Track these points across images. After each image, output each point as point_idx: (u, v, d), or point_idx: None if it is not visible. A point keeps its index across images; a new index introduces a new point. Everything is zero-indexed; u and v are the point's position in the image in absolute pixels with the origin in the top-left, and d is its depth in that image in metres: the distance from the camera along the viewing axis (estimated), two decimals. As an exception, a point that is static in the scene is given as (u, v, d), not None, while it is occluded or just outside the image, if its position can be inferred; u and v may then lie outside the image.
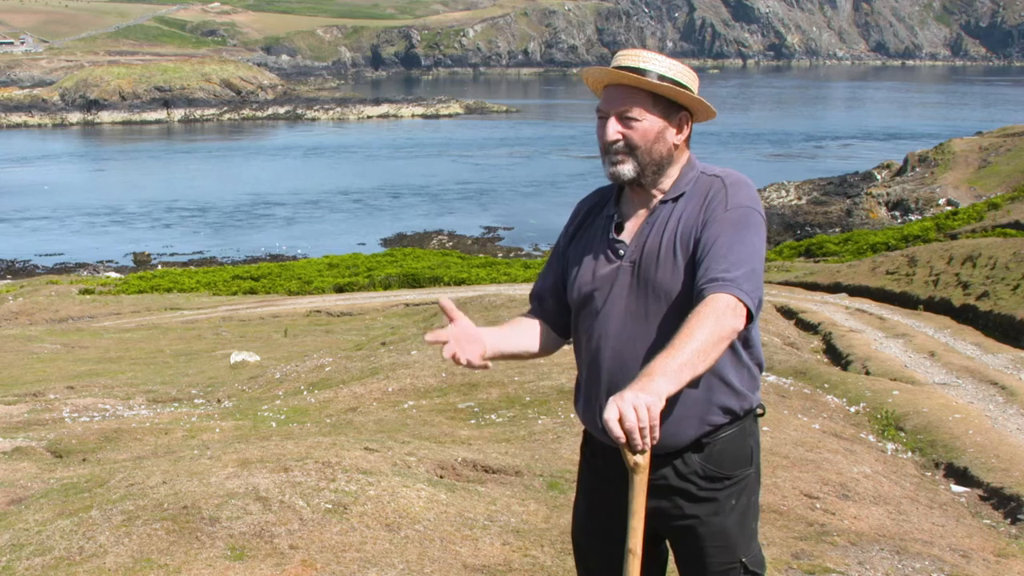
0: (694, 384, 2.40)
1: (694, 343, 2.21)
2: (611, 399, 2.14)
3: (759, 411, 2.61)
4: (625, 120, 2.45)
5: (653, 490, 2.50)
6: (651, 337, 2.44)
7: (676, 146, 2.50)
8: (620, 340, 2.49)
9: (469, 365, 2.44)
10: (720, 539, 2.53)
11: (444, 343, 2.42)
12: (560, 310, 2.66)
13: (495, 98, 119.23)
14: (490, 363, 2.51)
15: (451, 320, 2.46)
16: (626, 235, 2.53)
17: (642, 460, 2.19)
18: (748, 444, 2.57)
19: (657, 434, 2.13)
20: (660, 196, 2.52)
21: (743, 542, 2.56)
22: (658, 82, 2.43)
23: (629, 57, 2.47)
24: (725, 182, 2.48)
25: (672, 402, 2.42)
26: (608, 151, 2.48)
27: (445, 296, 2.45)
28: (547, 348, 2.68)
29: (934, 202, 42.81)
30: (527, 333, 2.66)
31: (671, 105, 2.47)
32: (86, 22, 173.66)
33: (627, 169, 2.47)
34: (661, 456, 2.49)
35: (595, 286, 2.53)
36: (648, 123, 2.45)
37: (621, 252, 2.51)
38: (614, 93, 2.47)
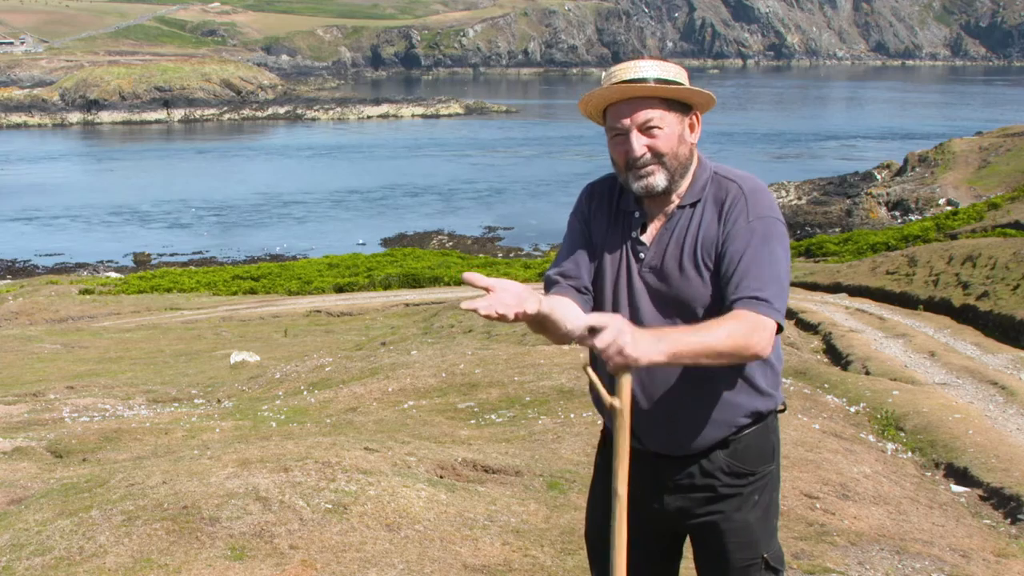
0: (723, 386, 2.44)
1: (714, 339, 2.22)
2: (613, 316, 2.17)
3: (780, 408, 2.62)
4: (647, 130, 2.42)
5: (677, 488, 2.53)
6: None
7: (693, 144, 2.50)
8: None
9: (502, 318, 2.18)
10: (743, 535, 2.53)
11: (478, 310, 2.17)
12: (589, 288, 2.55)
13: (495, 98, 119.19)
14: (536, 307, 2.25)
15: (486, 290, 2.20)
16: (647, 237, 2.51)
17: (618, 403, 2.22)
18: (771, 440, 2.58)
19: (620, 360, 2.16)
20: (677, 200, 2.50)
21: (765, 538, 2.57)
22: (670, 86, 2.42)
23: (626, 70, 2.44)
24: (743, 189, 2.46)
25: (703, 407, 2.46)
26: (634, 166, 2.44)
27: (470, 272, 2.24)
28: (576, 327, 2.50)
29: (934, 202, 42.80)
30: (567, 306, 2.45)
31: (681, 106, 2.46)
32: (86, 22, 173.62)
33: (659, 180, 2.44)
34: (688, 457, 2.51)
35: (616, 286, 2.52)
36: (669, 128, 2.43)
37: (642, 255, 2.50)
38: (626, 108, 2.43)
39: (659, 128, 2.42)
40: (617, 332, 2.12)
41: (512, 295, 2.19)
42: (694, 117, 2.50)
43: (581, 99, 2.48)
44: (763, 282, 2.34)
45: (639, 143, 2.42)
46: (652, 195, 2.47)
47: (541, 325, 2.40)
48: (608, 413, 2.62)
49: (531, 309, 2.23)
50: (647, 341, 2.15)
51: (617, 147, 2.47)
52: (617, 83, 2.43)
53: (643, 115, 2.41)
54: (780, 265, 2.39)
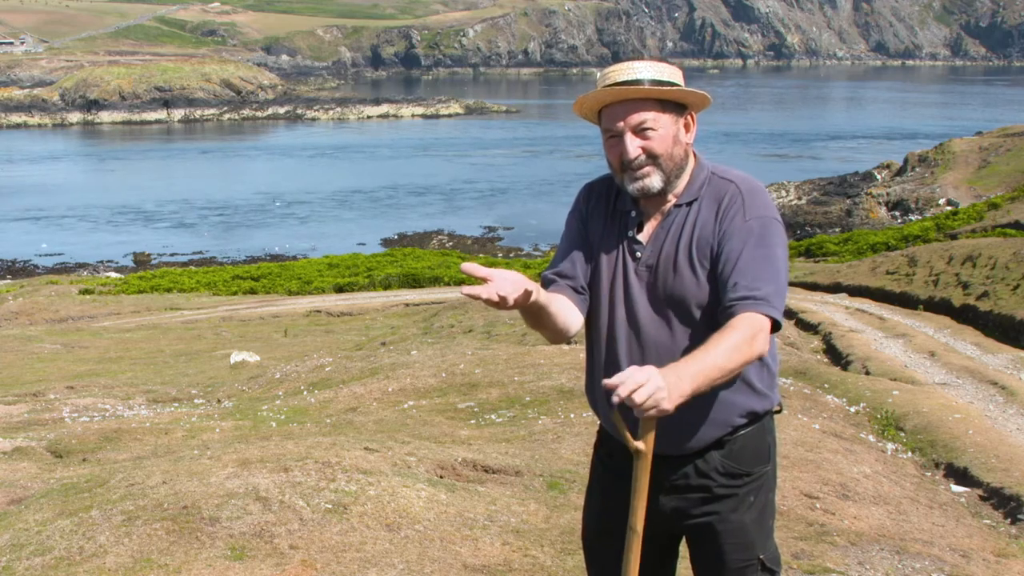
0: (719, 389, 2.43)
1: (720, 358, 2.23)
2: (646, 367, 2.14)
3: (776, 408, 2.62)
4: (642, 132, 2.43)
5: (673, 489, 2.53)
6: (669, 341, 2.45)
7: (689, 145, 2.50)
8: (643, 341, 2.49)
9: (503, 302, 2.23)
10: (739, 535, 2.53)
11: (480, 296, 2.22)
12: (585, 288, 2.57)
13: (495, 98, 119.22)
14: (532, 294, 2.30)
15: (485, 280, 2.25)
16: (643, 236, 2.52)
17: (642, 446, 2.23)
18: (767, 441, 2.58)
19: (648, 426, 2.17)
20: (674, 200, 2.51)
21: (760, 539, 2.57)
22: (664, 88, 2.42)
23: (621, 72, 2.44)
24: (740, 189, 2.47)
25: (698, 407, 2.44)
26: (629, 167, 2.44)
27: (469, 263, 2.22)
28: (573, 324, 2.52)
29: (934, 202, 42.80)
30: (564, 303, 2.51)
31: (676, 106, 2.47)
32: (86, 22, 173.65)
33: (655, 181, 2.45)
34: (683, 457, 2.51)
35: (612, 285, 2.52)
36: (663, 129, 2.44)
37: (638, 254, 2.50)
38: (620, 110, 2.43)
39: (653, 129, 2.42)
40: (655, 388, 2.12)
41: (510, 283, 2.24)
42: (689, 117, 2.50)
43: (576, 101, 2.49)
44: (760, 280, 2.34)
45: (633, 145, 2.43)
46: (648, 196, 2.48)
47: (537, 318, 2.43)
48: (604, 415, 2.62)
49: (531, 292, 2.28)
50: (675, 390, 2.15)
51: (612, 149, 2.47)
52: (611, 85, 2.43)
53: (637, 117, 2.42)
54: (778, 264, 2.39)
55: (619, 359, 2.51)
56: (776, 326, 2.35)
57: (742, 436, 2.52)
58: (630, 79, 2.42)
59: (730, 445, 2.51)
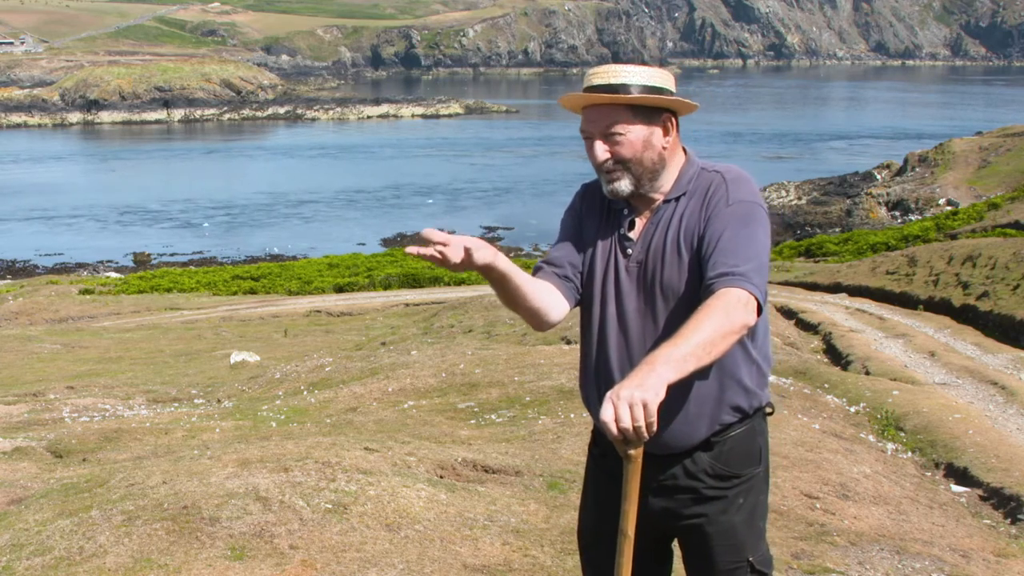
0: (704, 382, 2.43)
1: (701, 334, 2.20)
2: (607, 395, 2.12)
3: (768, 410, 2.61)
4: (609, 137, 2.47)
5: (662, 490, 2.53)
6: (656, 337, 2.45)
7: (666, 148, 2.51)
8: (630, 338, 2.50)
9: (444, 258, 2.28)
10: (728, 538, 2.53)
11: (422, 254, 2.27)
12: (574, 277, 2.58)
13: (495, 98, 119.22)
14: (479, 255, 2.30)
15: (444, 245, 2.29)
16: (634, 233, 2.54)
17: (634, 451, 2.21)
18: (757, 443, 2.58)
19: (654, 430, 2.12)
20: (662, 197, 2.53)
21: (751, 541, 2.57)
22: (635, 95, 2.43)
23: (601, 76, 2.47)
24: (725, 177, 2.49)
25: (684, 403, 2.45)
26: (601, 170, 2.50)
27: (429, 229, 2.30)
28: (553, 308, 2.52)
29: (934, 202, 42.82)
30: (542, 285, 2.52)
31: (652, 111, 2.48)
32: (86, 22, 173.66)
33: (624, 184, 2.49)
34: (671, 456, 2.51)
35: (604, 282, 2.54)
36: (632, 135, 2.46)
37: (629, 251, 2.52)
38: (593, 113, 2.48)
39: (622, 135, 2.45)
40: (629, 400, 2.08)
41: (458, 245, 2.29)
42: (669, 121, 2.50)
43: (563, 99, 2.54)
44: (740, 258, 2.35)
45: (601, 150, 2.48)
46: (618, 197, 2.52)
47: (506, 292, 2.45)
48: (597, 414, 2.62)
49: (478, 258, 2.30)
50: (652, 378, 2.11)
51: (588, 151, 2.53)
52: (589, 87, 2.47)
53: (607, 122, 2.46)
54: (759, 245, 2.39)
55: (609, 356, 2.53)
56: (759, 307, 2.34)
57: (731, 438, 2.51)
58: (603, 83, 2.45)
59: (719, 447, 2.51)
